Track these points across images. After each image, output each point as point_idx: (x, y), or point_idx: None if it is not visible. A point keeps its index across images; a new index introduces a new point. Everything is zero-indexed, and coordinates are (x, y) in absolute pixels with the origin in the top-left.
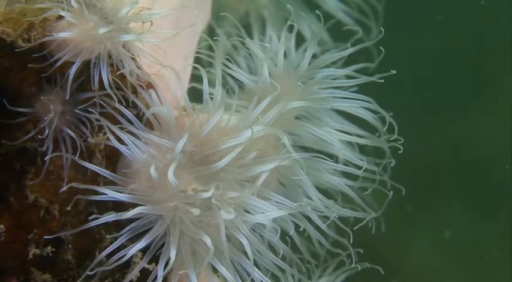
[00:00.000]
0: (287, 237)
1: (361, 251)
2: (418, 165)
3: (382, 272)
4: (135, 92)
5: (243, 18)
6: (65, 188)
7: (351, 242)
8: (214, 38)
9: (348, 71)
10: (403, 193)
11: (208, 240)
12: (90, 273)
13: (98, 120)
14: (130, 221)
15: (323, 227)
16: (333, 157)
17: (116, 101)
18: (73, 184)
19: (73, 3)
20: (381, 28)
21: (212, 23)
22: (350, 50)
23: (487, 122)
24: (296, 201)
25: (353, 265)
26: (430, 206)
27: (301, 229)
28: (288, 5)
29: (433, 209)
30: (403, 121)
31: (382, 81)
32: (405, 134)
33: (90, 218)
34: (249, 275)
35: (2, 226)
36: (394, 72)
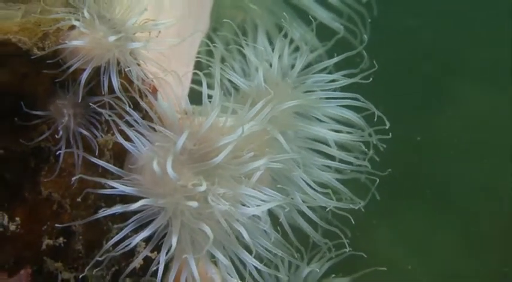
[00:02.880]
0: (278, 227)
1: (347, 242)
2: (388, 165)
3: (365, 256)
4: (141, 95)
5: (239, 26)
6: (76, 177)
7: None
8: (213, 44)
9: (335, 76)
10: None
11: (207, 229)
12: (99, 258)
13: (106, 121)
14: (135, 213)
15: (314, 218)
16: (322, 153)
17: (126, 104)
18: (83, 177)
19: (85, 14)
20: (365, 35)
21: (210, 33)
22: (335, 59)
23: (447, 124)
24: (287, 195)
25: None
26: (396, 203)
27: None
28: (283, 14)
29: (398, 205)
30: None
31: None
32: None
33: (100, 211)
34: (243, 263)
35: (18, 219)
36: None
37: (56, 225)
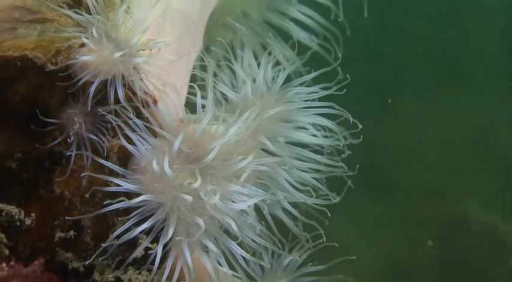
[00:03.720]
0: (263, 221)
1: (323, 234)
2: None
3: (337, 245)
4: (143, 105)
5: (229, 45)
6: (85, 174)
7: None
8: (207, 60)
9: (312, 88)
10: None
11: (200, 221)
12: (105, 248)
13: (113, 128)
14: (136, 208)
15: (294, 213)
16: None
17: (130, 112)
18: (92, 176)
19: (94, 33)
20: (339, 54)
21: (204, 50)
22: (312, 75)
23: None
24: (271, 192)
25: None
26: (352, 198)
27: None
28: (268, 34)
29: (354, 200)
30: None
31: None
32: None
33: (105, 203)
34: (232, 252)
35: (33, 214)
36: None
37: (67, 219)
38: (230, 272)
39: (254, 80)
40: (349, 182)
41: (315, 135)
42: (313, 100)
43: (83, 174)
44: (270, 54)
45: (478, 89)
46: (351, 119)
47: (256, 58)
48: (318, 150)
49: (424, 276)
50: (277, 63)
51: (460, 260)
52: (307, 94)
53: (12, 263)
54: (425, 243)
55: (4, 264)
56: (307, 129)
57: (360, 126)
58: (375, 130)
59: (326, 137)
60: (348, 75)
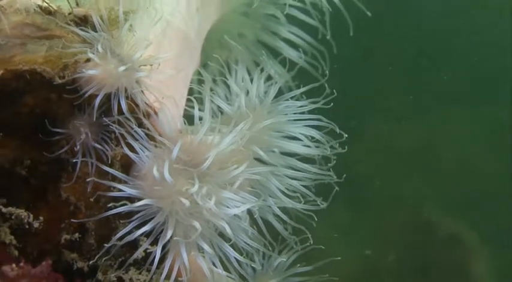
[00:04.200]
0: (254, 226)
1: (310, 237)
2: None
3: (323, 248)
4: (145, 116)
5: (225, 62)
6: (90, 179)
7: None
8: (204, 75)
9: (301, 102)
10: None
11: (196, 224)
12: (108, 249)
13: (116, 137)
14: (138, 212)
15: (283, 217)
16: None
17: (132, 123)
18: (96, 181)
19: (99, 49)
20: (326, 71)
21: (201, 66)
22: (302, 89)
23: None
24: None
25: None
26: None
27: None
28: (261, 52)
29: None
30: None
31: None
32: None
33: (108, 205)
34: (225, 254)
35: (41, 217)
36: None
37: (73, 222)
38: (224, 272)
39: (248, 94)
40: (336, 189)
41: (308, 146)
42: (302, 113)
43: (88, 179)
44: (262, 70)
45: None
46: (338, 130)
47: (249, 74)
48: (307, 159)
49: (392, 278)
50: (269, 78)
51: (426, 264)
52: (297, 107)
53: (21, 263)
54: (393, 248)
55: (14, 265)
56: (297, 139)
57: (346, 135)
58: (354, 142)
59: (315, 147)
60: (334, 90)
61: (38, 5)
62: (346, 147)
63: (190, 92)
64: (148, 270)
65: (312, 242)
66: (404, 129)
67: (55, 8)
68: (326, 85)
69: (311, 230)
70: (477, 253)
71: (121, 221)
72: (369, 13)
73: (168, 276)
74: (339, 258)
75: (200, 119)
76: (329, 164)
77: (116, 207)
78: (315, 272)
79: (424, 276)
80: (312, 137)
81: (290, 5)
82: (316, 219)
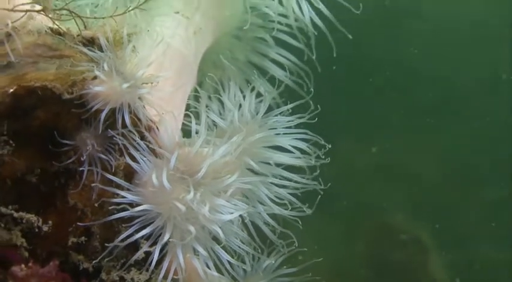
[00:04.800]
0: (245, 230)
1: (295, 240)
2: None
3: (306, 250)
4: (146, 129)
5: (219, 81)
6: (95, 184)
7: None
8: (201, 92)
9: (289, 117)
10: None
11: (192, 228)
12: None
13: (120, 148)
14: (139, 217)
15: (272, 223)
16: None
17: (135, 135)
18: (101, 188)
19: (105, 67)
20: (312, 89)
21: (197, 85)
22: (290, 105)
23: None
24: (252, 206)
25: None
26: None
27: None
28: (252, 72)
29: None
30: None
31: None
32: None
33: (111, 207)
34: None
35: (50, 222)
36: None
37: (79, 226)
38: (216, 274)
39: (240, 109)
40: (319, 196)
41: (295, 158)
42: (289, 127)
43: (93, 184)
44: (253, 88)
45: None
46: (323, 142)
47: (241, 91)
48: (294, 168)
49: (359, 276)
50: (259, 95)
51: (388, 263)
52: (285, 122)
53: (30, 264)
54: (360, 250)
55: (23, 265)
56: (285, 151)
57: (329, 146)
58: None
59: (302, 158)
60: (318, 105)
61: (49, 27)
62: (329, 158)
63: (188, 107)
64: (148, 270)
65: (297, 244)
66: (372, 146)
67: (65, 30)
68: (311, 102)
69: (286, 235)
70: (433, 253)
71: (123, 225)
72: (350, 36)
73: (165, 276)
74: (321, 258)
75: (196, 132)
76: (314, 173)
77: (118, 212)
78: (299, 273)
79: (386, 274)
80: (300, 149)
81: (278, 29)
82: (300, 224)
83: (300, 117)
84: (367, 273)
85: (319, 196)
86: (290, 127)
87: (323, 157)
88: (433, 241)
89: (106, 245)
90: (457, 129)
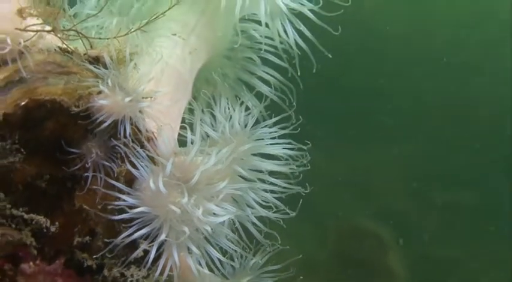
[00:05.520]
0: (234, 232)
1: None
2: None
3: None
4: (146, 139)
5: (211, 96)
6: (99, 187)
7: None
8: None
9: (274, 129)
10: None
11: (186, 229)
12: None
13: (121, 156)
14: (138, 219)
15: (259, 224)
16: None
17: (136, 145)
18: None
19: (108, 83)
20: (294, 103)
21: (192, 99)
22: (275, 119)
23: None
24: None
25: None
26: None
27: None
28: (241, 88)
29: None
30: None
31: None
32: None
33: (111, 205)
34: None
35: (57, 223)
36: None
37: (85, 228)
38: (207, 272)
39: (230, 122)
40: (301, 200)
41: (282, 165)
42: (274, 138)
43: (97, 188)
44: (242, 103)
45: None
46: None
47: (231, 105)
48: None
49: (329, 269)
50: (247, 109)
51: (354, 258)
52: (270, 133)
53: (37, 261)
54: (330, 247)
55: (31, 263)
56: (272, 159)
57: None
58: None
59: (285, 164)
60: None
61: (58, 46)
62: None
63: (183, 120)
64: (146, 267)
65: (280, 245)
66: (340, 157)
67: (73, 49)
68: (293, 115)
69: (269, 235)
70: (391, 249)
71: (124, 226)
72: (329, 55)
73: (162, 272)
74: (300, 256)
75: (191, 142)
76: (297, 179)
77: (120, 214)
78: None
79: (352, 266)
80: (287, 155)
81: (265, 50)
82: (284, 226)
83: (282, 128)
84: (336, 266)
85: (301, 200)
86: (274, 137)
87: (305, 164)
88: (392, 239)
89: (108, 244)
90: (413, 142)
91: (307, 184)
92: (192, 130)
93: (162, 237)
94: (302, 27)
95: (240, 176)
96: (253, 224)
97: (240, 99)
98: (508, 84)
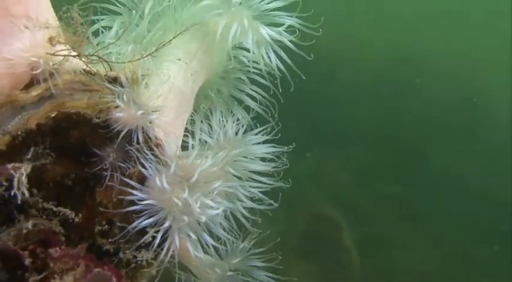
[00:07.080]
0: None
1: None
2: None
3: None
4: (155, 145)
5: (208, 109)
6: (115, 184)
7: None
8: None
9: (259, 136)
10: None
11: (186, 218)
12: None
13: (134, 159)
14: (147, 210)
15: (247, 215)
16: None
17: (147, 150)
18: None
19: (124, 98)
20: (276, 115)
21: (193, 112)
22: (259, 129)
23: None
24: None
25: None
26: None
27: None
28: (232, 103)
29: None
30: None
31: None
32: None
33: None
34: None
35: (80, 215)
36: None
37: (104, 218)
38: (203, 255)
39: (224, 130)
40: (280, 195)
41: (266, 165)
42: (259, 142)
43: (113, 185)
44: (233, 115)
45: None
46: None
47: (225, 117)
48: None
49: (298, 247)
50: (237, 120)
51: (318, 238)
52: (256, 139)
53: (63, 246)
54: (300, 229)
55: (57, 248)
56: (259, 160)
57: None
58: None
59: (268, 165)
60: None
61: (83, 68)
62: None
63: (186, 129)
64: (153, 250)
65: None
66: (310, 156)
67: (95, 71)
68: (274, 125)
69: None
70: (346, 230)
71: (135, 216)
72: (304, 77)
73: (166, 254)
74: (279, 239)
75: (192, 147)
76: (277, 178)
77: (132, 206)
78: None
79: (315, 245)
80: (273, 156)
81: (252, 72)
82: (270, 215)
83: (266, 135)
84: (304, 244)
85: (280, 194)
86: (260, 143)
87: (285, 163)
88: (345, 221)
89: (123, 230)
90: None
91: (289, 180)
92: (192, 137)
93: (167, 225)
94: (282, 54)
95: (232, 175)
96: (242, 214)
97: (232, 111)
98: None
